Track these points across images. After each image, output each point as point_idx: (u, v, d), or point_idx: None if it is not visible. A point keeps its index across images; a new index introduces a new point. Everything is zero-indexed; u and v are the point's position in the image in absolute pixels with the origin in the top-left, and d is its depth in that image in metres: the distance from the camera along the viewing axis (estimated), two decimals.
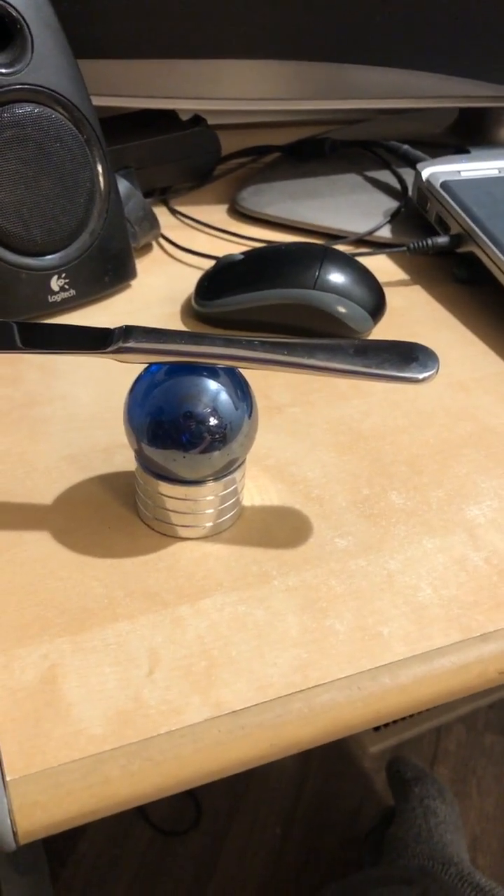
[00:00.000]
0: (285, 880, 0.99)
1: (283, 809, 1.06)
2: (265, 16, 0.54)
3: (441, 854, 0.78)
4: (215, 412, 0.30)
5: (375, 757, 1.13)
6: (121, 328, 0.29)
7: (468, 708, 1.19)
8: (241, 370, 0.31)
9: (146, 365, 0.31)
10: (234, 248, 0.54)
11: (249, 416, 0.31)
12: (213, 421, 0.30)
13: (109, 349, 0.29)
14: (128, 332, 0.29)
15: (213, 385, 0.30)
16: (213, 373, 0.30)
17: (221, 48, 0.55)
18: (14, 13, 0.41)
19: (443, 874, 0.73)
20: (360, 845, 1.01)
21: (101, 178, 0.45)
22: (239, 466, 0.32)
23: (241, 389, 0.31)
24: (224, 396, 0.30)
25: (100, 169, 0.45)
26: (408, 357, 0.29)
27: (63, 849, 1.00)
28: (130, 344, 0.29)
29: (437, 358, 0.30)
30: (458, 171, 0.54)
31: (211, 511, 0.33)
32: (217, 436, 0.30)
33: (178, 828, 1.03)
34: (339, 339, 0.31)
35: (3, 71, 0.41)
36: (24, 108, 0.42)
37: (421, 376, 0.29)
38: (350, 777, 1.11)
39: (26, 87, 0.41)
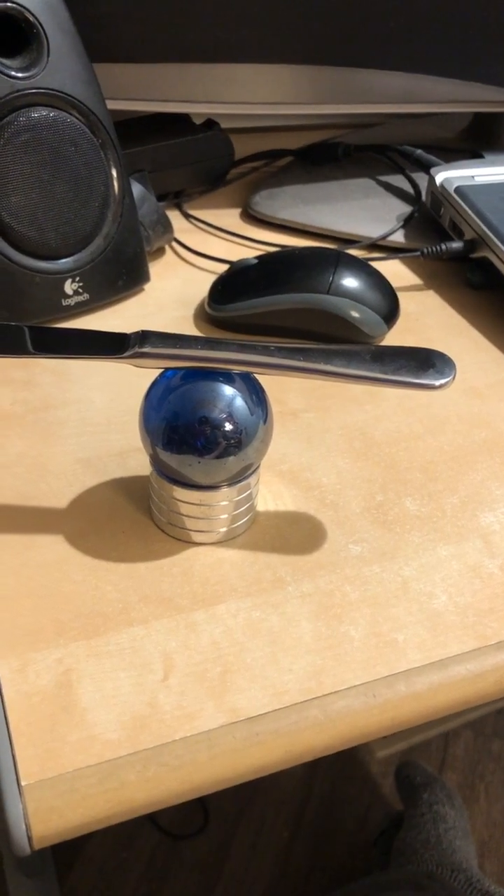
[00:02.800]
0: (292, 884, 0.99)
1: (290, 813, 1.06)
2: (279, 20, 0.54)
3: (450, 860, 0.77)
4: (231, 417, 0.30)
5: (383, 761, 1.13)
6: (137, 333, 0.29)
7: (476, 713, 1.19)
8: (256, 375, 0.31)
9: (162, 369, 0.31)
10: (247, 253, 0.54)
11: (265, 421, 0.31)
12: (228, 426, 0.30)
13: (126, 354, 0.29)
14: (144, 337, 0.29)
15: (228, 390, 0.30)
16: (228, 378, 0.30)
17: (235, 52, 0.55)
18: (30, 17, 0.41)
19: (451, 880, 0.72)
20: (368, 850, 1.01)
21: (115, 182, 0.46)
22: (254, 472, 0.32)
23: (256, 395, 0.31)
24: (240, 402, 0.30)
25: (114, 173, 0.45)
26: (425, 363, 0.29)
27: (70, 851, 1.00)
28: (147, 349, 0.29)
29: (454, 365, 0.30)
30: (473, 176, 0.54)
31: (225, 516, 0.33)
32: (232, 441, 0.30)
33: (185, 831, 1.03)
34: (355, 345, 0.31)
35: (20, 75, 0.41)
36: (39, 112, 0.42)
37: (438, 383, 0.29)
38: (357, 781, 1.10)
39: (42, 91, 0.42)
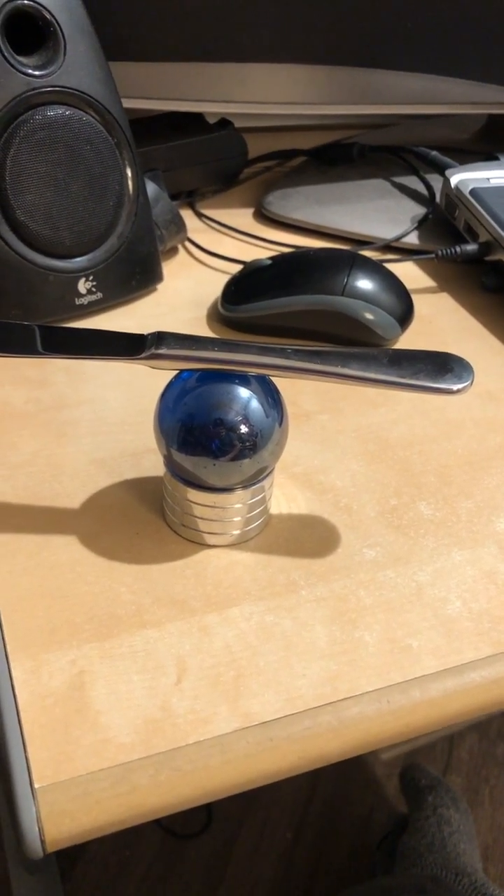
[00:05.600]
0: (295, 886, 0.99)
1: (293, 814, 1.06)
2: (294, 20, 0.53)
3: (454, 864, 0.77)
4: (246, 420, 0.30)
5: (387, 764, 1.13)
6: (154, 334, 0.29)
7: (482, 716, 1.18)
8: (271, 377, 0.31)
9: (177, 371, 0.31)
10: (260, 253, 0.54)
11: (280, 423, 0.31)
12: (243, 429, 0.30)
13: (142, 355, 0.29)
14: (160, 338, 0.29)
15: (244, 392, 0.30)
16: (244, 380, 0.30)
17: (250, 52, 0.55)
18: (48, 15, 0.41)
19: (456, 885, 0.72)
20: (371, 852, 1.01)
21: (130, 182, 0.45)
22: (268, 474, 0.32)
23: (271, 397, 0.31)
24: (255, 404, 0.30)
25: (129, 172, 0.45)
26: (443, 368, 0.29)
27: (73, 849, 1.00)
28: (163, 350, 0.29)
29: (472, 369, 0.29)
30: (488, 179, 0.54)
31: (239, 519, 0.32)
32: (247, 444, 0.30)
33: (188, 831, 1.03)
34: (371, 348, 0.30)
35: (36, 73, 0.41)
36: (55, 111, 0.42)
37: (456, 388, 0.29)
38: (361, 783, 1.10)
39: (58, 89, 0.41)
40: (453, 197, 0.53)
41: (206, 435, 0.29)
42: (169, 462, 0.31)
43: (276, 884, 0.99)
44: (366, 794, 1.09)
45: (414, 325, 0.47)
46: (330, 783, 1.09)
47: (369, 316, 0.44)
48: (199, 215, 0.60)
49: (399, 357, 0.30)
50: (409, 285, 0.47)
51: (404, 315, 0.46)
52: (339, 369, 0.29)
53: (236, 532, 0.33)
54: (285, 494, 0.36)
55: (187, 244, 0.56)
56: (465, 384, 0.29)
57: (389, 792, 1.09)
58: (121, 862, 1.00)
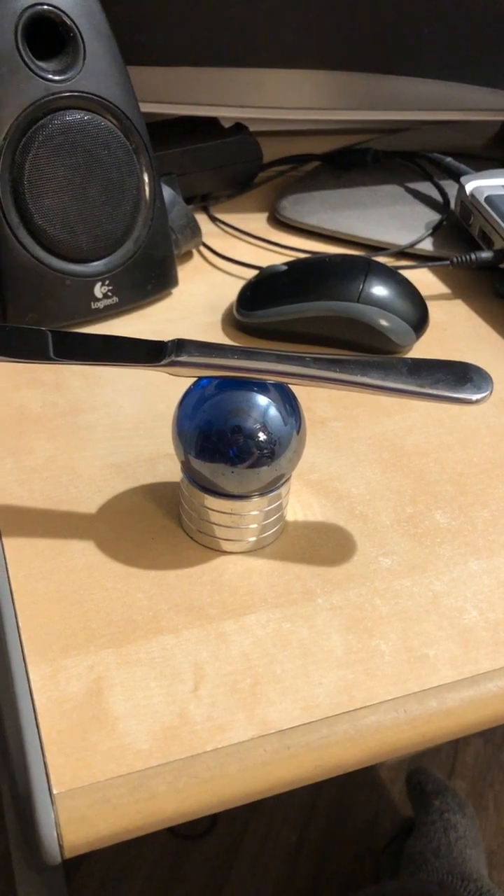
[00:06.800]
0: (299, 889, 0.99)
1: (298, 817, 1.05)
2: (310, 26, 0.54)
3: (460, 869, 0.77)
4: (264, 427, 0.30)
5: (392, 767, 1.13)
6: (173, 342, 0.29)
7: None
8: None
9: (196, 378, 0.31)
10: (274, 258, 0.54)
11: (298, 431, 0.31)
12: (262, 436, 0.30)
13: (162, 363, 0.29)
14: (180, 345, 0.29)
15: (262, 400, 0.30)
16: (262, 387, 0.30)
17: (266, 57, 0.55)
18: (67, 20, 0.41)
19: (462, 890, 0.72)
20: (376, 856, 1.01)
21: (146, 187, 0.46)
22: (285, 482, 0.32)
23: (289, 404, 0.31)
24: (273, 411, 0.30)
25: (146, 177, 0.45)
26: (462, 377, 0.29)
27: None
28: (183, 358, 0.29)
29: (491, 380, 0.29)
30: (503, 186, 0.54)
31: (255, 526, 0.32)
32: (265, 451, 0.30)
33: (193, 832, 1.03)
34: (390, 357, 0.30)
35: (56, 78, 0.41)
36: (74, 116, 0.42)
37: (475, 398, 0.29)
38: (366, 787, 1.10)
39: (77, 94, 0.42)
40: (468, 204, 0.53)
41: (224, 442, 0.30)
42: (186, 468, 0.31)
43: (281, 886, 0.99)
44: (371, 797, 1.09)
45: (429, 332, 0.47)
46: (335, 787, 1.09)
47: (384, 323, 0.44)
48: (214, 220, 0.60)
49: (418, 366, 0.30)
50: (423, 292, 0.47)
51: (419, 322, 0.46)
52: (358, 378, 0.29)
53: (253, 539, 0.33)
54: (301, 501, 0.36)
55: (202, 249, 0.56)
56: (485, 394, 0.29)
57: (394, 796, 1.09)
58: (125, 863, 1.00)
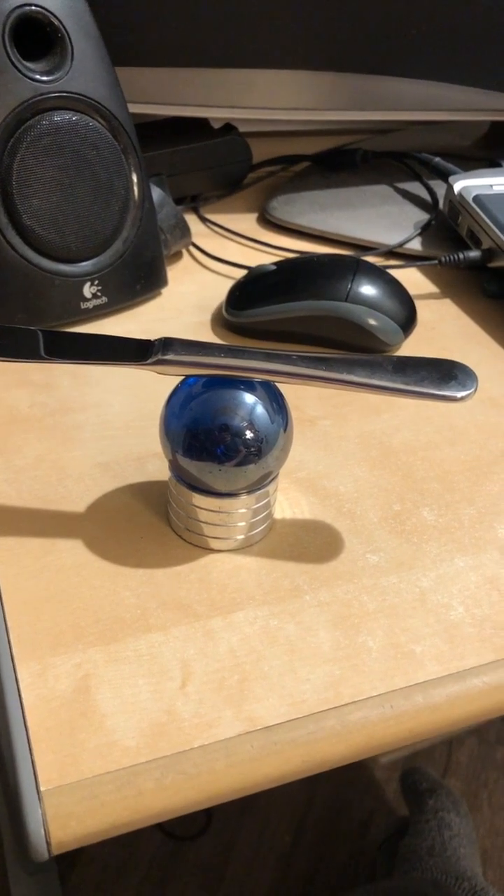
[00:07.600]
0: (294, 888, 0.99)
1: (293, 817, 1.06)
2: (298, 26, 0.54)
3: (455, 868, 0.77)
4: (251, 425, 0.30)
5: (386, 767, 1.13)
6: (160, 340, 0.30)
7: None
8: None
9: (183, 376, 0.31)
10: (263, 258, 0.55)
11: (285, 429, 0.31)
12: (249, 434, 0.30)
13: (149, 361, 0.29)
14: (167, 344, 0.29)
15: (249, 398, 0.30)
16: (249, 386, 0.30)
17: (255, 58, 0.55)
18: (55, 21, 0.41)
19: (456, 889, 0.72)
20: (371, 856, 1.01)
21: (135, 187, 0.46)
22: (272, 480, 0.32)
23: (276, 402, 0.31)
24: (260, 410, 0.30)
25: (135, 177, 0.45)
26: (447, 375, 0.29)
27: (72, 851, 1.00)
28: (170, 356, 0.29)
29: (475, 377, 0.30)
30: (491, 185, 0.54)
31: (243, 524, 0.33)
32: (253, 449, 0.30)
33: (187, 832, 1.03)
34: (376, 355, 0.31)
35: (43, 79, 0.41)
36: (62, 116, 0.42)
37: (460, 395, 0.29)
38: (361, 786, 1.10)
39: (65, 94, 0.42)
40: (457, 203, 0.54)
41: (211, 440, 0.30)
42: (174, 467, 0.31)
43: (275, 886, 0.99)
44: (365, 797, 1.09)
45: (417, 331, 0.48)
46: (329, 786, 1.09)
47: (373, 322, 0.44)
48: (203, 220, 0.60)
49: (403, 364, 0.30)
50: (411, 291, 0.48)
51: (407, 321, 0.46)
52: (344, 376, 0.29)
53: (241, 537, 0.33)
54: (289, 499, 0.36)
55: (191, 249, 0.56)
56: (469, 392, 0.29)
57: (389, 795, 1.09)
58: (119, 864, 1.00)
